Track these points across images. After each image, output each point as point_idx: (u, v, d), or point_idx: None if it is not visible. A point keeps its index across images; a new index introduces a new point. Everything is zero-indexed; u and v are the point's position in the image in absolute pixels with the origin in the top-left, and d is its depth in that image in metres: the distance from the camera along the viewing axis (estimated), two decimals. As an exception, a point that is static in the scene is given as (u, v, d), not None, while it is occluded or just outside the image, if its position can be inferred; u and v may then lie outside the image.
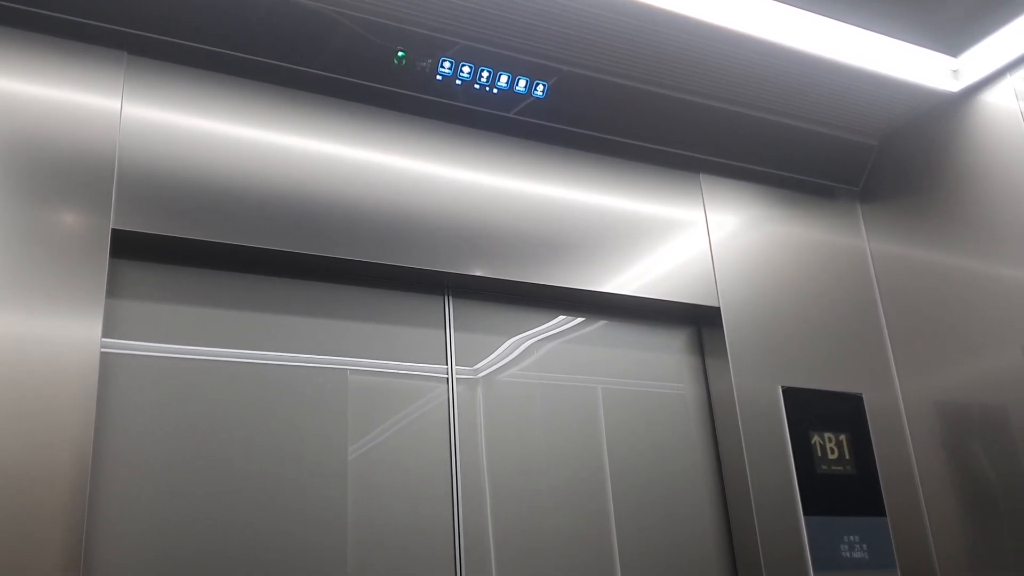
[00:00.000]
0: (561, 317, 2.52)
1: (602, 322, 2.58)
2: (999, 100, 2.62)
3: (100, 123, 1.97)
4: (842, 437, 2.62)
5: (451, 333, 2.35)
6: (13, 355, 1.72)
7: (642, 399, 2.54)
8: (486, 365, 2.37)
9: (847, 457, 2.60)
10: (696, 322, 2.71)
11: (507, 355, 2.40)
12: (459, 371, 2.32)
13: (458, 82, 2.37)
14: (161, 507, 1.87)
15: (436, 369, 2.30)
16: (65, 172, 1.90)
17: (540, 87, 2.44)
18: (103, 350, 1.88)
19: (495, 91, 2.41)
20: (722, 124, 2.71)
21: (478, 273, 2.31)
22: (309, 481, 2.03)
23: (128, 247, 1.98)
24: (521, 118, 2.49)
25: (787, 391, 2.60)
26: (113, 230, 1.91)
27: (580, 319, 2.55)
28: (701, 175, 2.80)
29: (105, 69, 2.02)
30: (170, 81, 2.10)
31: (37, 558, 1.62)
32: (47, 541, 1.64)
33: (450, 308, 2.37)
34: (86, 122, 1.96)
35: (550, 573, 2.23)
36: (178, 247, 2.03)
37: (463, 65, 2.35)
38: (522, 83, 2.42)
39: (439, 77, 2.35)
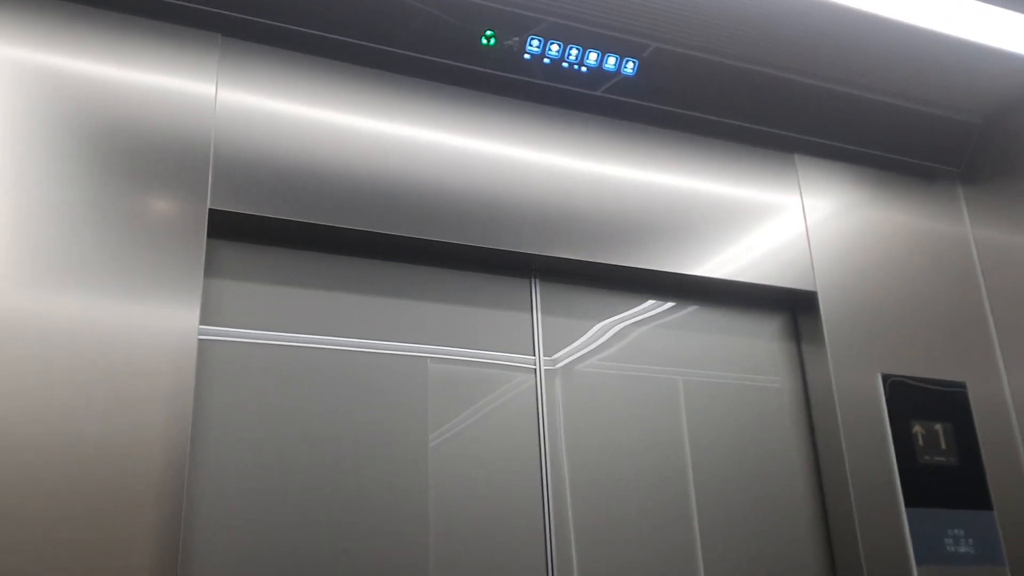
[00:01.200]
0: (651, 302, 2.46)
1: (693, 307, 2.51)
2: (1118, 72, 2.47)
3: (195, 104, 1.98)
4: (945, 427, 2.50)
5: (538, 318, 2.31)
6: (112, 342, 1.73)
7: (735, 387, 2.47)
8: (574, 351, 2.32)
9: (950, 448, 2.49)
10: (791, 308, 2.62)
11: (595, 340, 2.35)
12: (546, 357, 2.28)
13: (546, 61, 2.33)
14: (253, 500, 1.88)
15: (522, 355, 2.26)
16: (161, 154, 1.91)
17: (630, 64, 2.38)
18: (200, 337, 1.89)
19: (584, 69, 2.36)
20: (818, 103, 2.61)
21: (566, 255, 2.27)
22: (402, 471, 2.02)
23: (225, 227, 1.98)
24: (610, 96, 2.43)
25: (887, 379, 2.49)
26: (210, 210, 1.91)
27: (670, 304, 2.48)
28: (796, 155, 2.70)
29: (199, 51, 2.03)
30: (264, 63, 2.11)
31: (133, 550, 1.63)
32: (143, 534, 1.65)
33: (537, 292, 2.33)
34: (181, 104, 1.97)
35: (633, 570, 2.18)
36: (273, 227, 2.03)
37: (551, 43, 2.31)
38: (611, 60, 2.37)
39: (527, 56, 2.31)
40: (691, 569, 2.23)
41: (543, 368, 2.26)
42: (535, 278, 2.35)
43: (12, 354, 1.65)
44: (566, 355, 2.30)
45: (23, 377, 1.65)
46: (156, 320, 1.78)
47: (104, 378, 1.70)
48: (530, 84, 2.36)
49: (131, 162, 1.88)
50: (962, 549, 2.38)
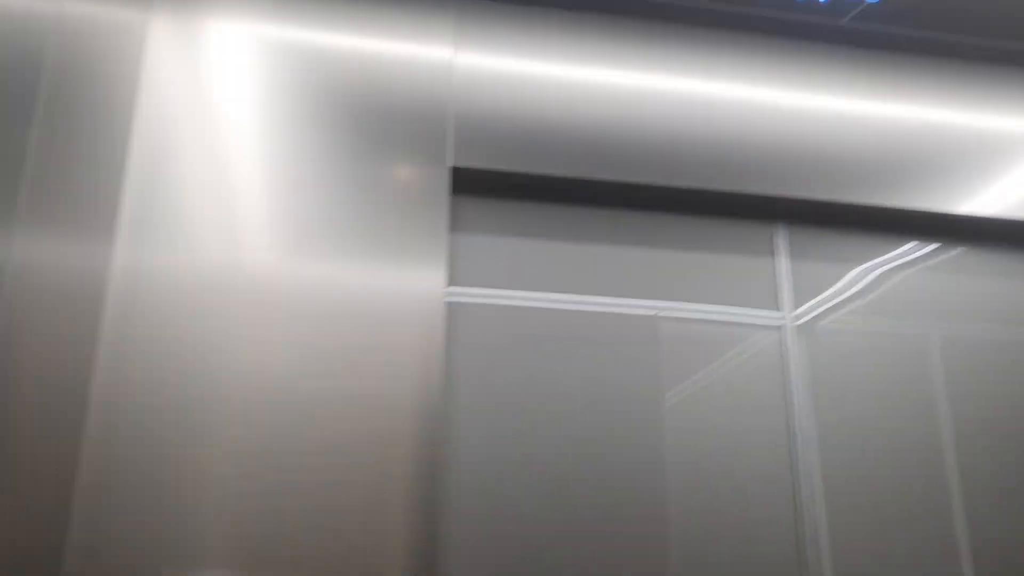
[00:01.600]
0: (911, 244, 2.25)
1: (959, 249, 2.28)
2: None
3: (434, 67, 2.01)
4: None
5: (785, 266, 2.17)
6: (362, 304, 1.79)
7: (1010, 341, 2.22)
8: (824, 301, 2.16)
9: None
10: (1076, 245, 2.33)
11: (848, 289, 2.18)
12: (794, 308, 2.14)
13: (784, -7, 2.18)
14: (497, 456, 1.88)
15: (766, 306, 2.13)
16: (403, 117, 1.95)
17: (877, -12, 2.19)
18: (447, 300, 1.91)
19: (824, -1, 2.20)
20: (1101, 10, 2.29)
21: (815, 197, 2.12)
22: (637, 433, 1.96)
23: (467, 184, 2.01)
24: (856, 26, 2.25)
25: None
26: (452, 168, 1.93)
27: (934, 245, 2.26)
28: (1076, 73, 2.40)
29: (436, 14, 2.06)
30: (499, 20, 2.11)
31: (393, 501, 1.68)
32: (401, 484, 1.69)
33: (783, 239, 2.19)
34: (420, 68, 2.01)
35: (888, 542, 2.00)
36: (513, 181, 2.04)
37: (788, -26, 2.16)
38: (855, -14, 2.19)
39: (763, -11, 2.17)
40: (954, 545, 2.02)
41: (790, 323, 2.12)
42: (780, 223, 2.21)
43: (272, 316, 1.74)
44: (815, 307, 2.15)
45: (284, 339, 1.73)
46: (404, 281, 1.82)
47: (360, 341, 1.76)
48: (767, 18, 2.23)
49: (374, 127, 1.93)
50: None
